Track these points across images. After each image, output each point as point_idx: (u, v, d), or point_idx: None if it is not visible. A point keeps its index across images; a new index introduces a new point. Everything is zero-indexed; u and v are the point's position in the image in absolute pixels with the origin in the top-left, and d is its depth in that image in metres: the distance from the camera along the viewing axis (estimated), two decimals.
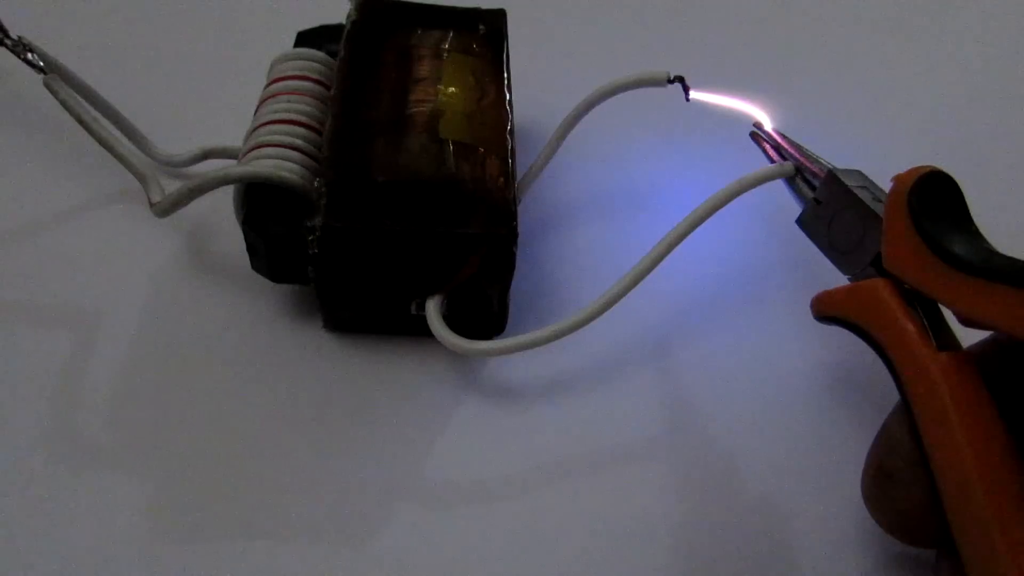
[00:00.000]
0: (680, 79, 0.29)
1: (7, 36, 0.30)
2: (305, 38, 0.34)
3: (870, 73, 0.43)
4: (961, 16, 0.47)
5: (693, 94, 0.29)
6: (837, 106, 0.41)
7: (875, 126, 0.40)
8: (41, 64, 0.30)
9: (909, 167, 0.23)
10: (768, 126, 0.29)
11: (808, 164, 0.28)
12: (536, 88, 0.35)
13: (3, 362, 0.28)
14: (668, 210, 0.28)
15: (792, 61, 0.44)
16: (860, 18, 0.47)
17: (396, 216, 0.26)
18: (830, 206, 0.27)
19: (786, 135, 0.29)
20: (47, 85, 0.30)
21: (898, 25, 0.46)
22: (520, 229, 0.27)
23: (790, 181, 0.28)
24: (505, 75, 0.31)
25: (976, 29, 0.46)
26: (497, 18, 0.34)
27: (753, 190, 0.28)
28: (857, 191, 0.26)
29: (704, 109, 0.30)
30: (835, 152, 0.29)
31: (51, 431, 0.26)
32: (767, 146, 0.29)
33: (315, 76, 0.31)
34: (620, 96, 0.31)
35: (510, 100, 0.31)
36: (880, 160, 0.27)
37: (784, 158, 0.29)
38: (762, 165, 0.29)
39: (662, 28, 0.45)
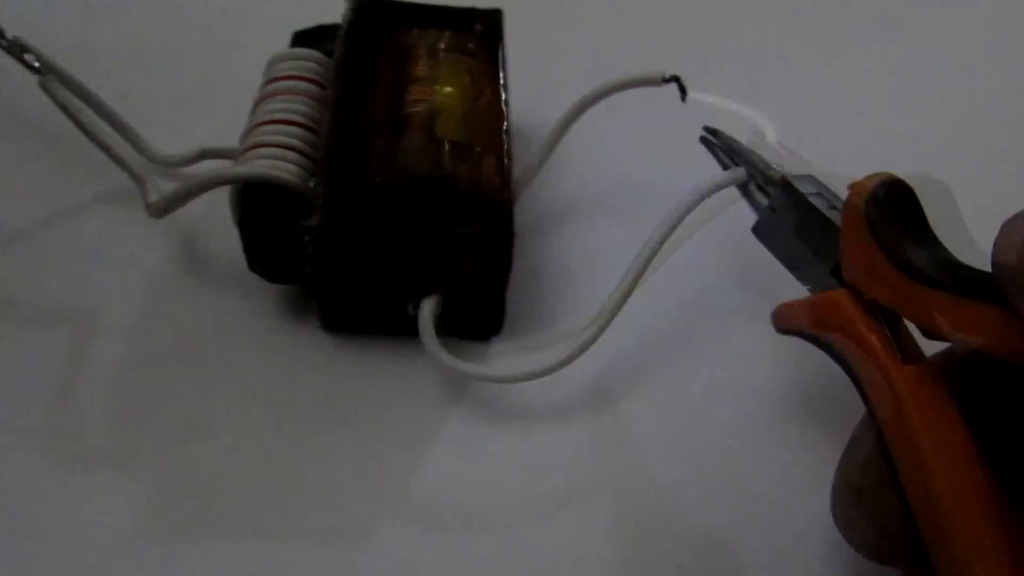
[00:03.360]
0: (675, 79, 0.29)
1: (3, 36, 0.30)
2: (302, 38, 0.34)
3: (850, 75, 0.43)
4: (941, 21, 0.47)
5: (692, 94, 0.29)
6: (819, 108, 0.41)
7: (856, 129, 0.40)
8: (37, 65, 0.30)
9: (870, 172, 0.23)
10: (771, 136, 0.29)
11: (761, 169, 0.27)
12: (533, 88, 0.35)
13: (1, 362, 0.28)
14: (665, 209, 0.28)
15: (784, 61, 0.44)
16: (848, 21, 0.47)
17: (393, 216, 0.26)
18: (785, 214, 0.26)
19: (737, 139, 0.28)
20: (43, 86, 0.30)
21: (881, 29, 0.46)
22: (517, 229, 0.27)
23: (743, 188, 0.27)
24: (501, 75, 0.32)
25: (955, 35, 0.46)
26: (493, 18, 0.34)
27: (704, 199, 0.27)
28: (812, 198, 0.25)
29: (700, 109, 0.31)
30: (823, 156, 0.28)
31: (48, 431, 0.26)
32: (718, 152, 0.29)
33: (312, 76, 0.31)
34: (616, 96, 0.31)
35: (506, 100, 0.31)
36: (855, 162, 0.26)
37: (736, 163, 0.28)
38: (715, 171, 0.28)
39: (659, 28, 0.45)
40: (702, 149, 0.30)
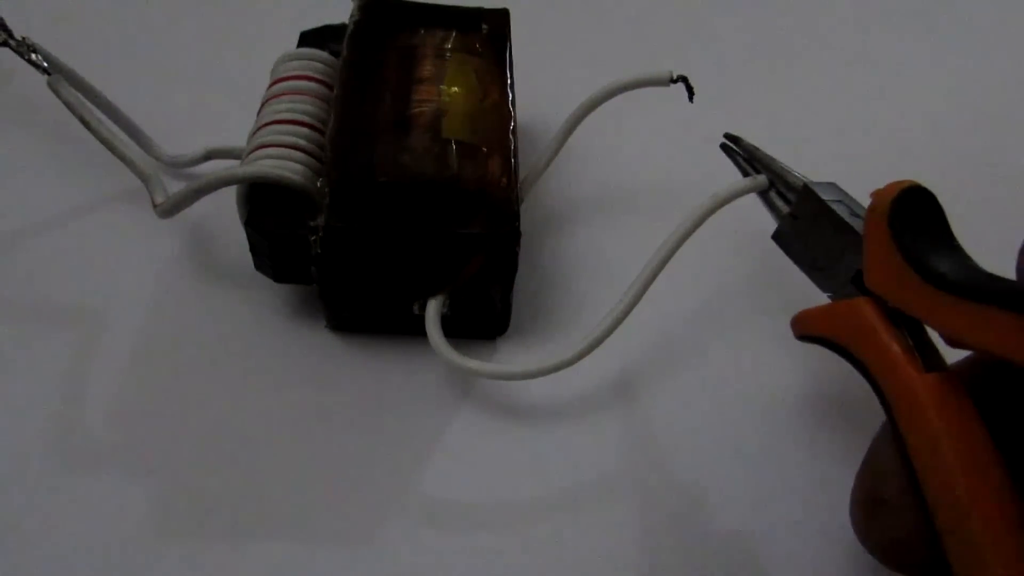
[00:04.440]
0: (683, 79, 0.29)
1: (11, 37, 0.31)
2: (308, 38, 0.34)
3: (850, 84, 0.43)
4: (938, 30, 0.47)
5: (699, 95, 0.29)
6: (816, 115, 0.40)
7: (853, 137, 0.39)
8: (45, 65, 0.30)
9: (886, 181, 0.23)
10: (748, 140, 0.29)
11: (782, 177, 0.27)
12: (539, 88, 0.35)
13: (8, 362, 0.28)
14: (671, 210, 0.28)
15: (790, 56, 0.44)
16: (845, 29, 0.47)
17: (399, 216, 0.26)
18: (806, 221, 0.26)
19: (758, 147, 0.28)
20: (51, 86, 0.30)
21: (879, 37, 0.46)
22: (523, 229, 0.27)
23: (763, 195, 0.28)
24: (508, 75, 0.31)
25: (951, 43, 0.46)
26: (500, 18, 0.34)
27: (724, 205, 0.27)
28: (834, 206, 0.25)
29: (708, 109, 0.30)
30: (818, 162, 0.28)
31: (55, 430, 0.27)
32: (739, 159, 0.29)
33: (318, 76, 0.31)
34: (623, 96, 0.31)
35: (513, 100, 0.31)
36: (857, 172, 0.26)
37: (757, 170, 0.28)
38: (735, 178, 0.28)
39: (665, 28, 0.45)
40: (709, 149, 0.30)
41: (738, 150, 0.29)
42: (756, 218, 0.28)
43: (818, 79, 0.42)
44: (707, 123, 0.30)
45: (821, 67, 0.43)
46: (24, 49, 0.30)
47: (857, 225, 0.24)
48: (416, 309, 0.28)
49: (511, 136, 0.29)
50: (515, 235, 0.27)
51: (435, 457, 0.27)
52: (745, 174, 0.28)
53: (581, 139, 0.32)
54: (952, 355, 0.22)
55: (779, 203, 0.27)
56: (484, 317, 0.29)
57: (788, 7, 0.47)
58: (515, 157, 0.29)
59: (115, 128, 0.32)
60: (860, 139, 0.39)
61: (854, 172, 0.27)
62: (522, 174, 0.31)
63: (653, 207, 0.34)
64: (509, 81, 0.31)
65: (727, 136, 0.29)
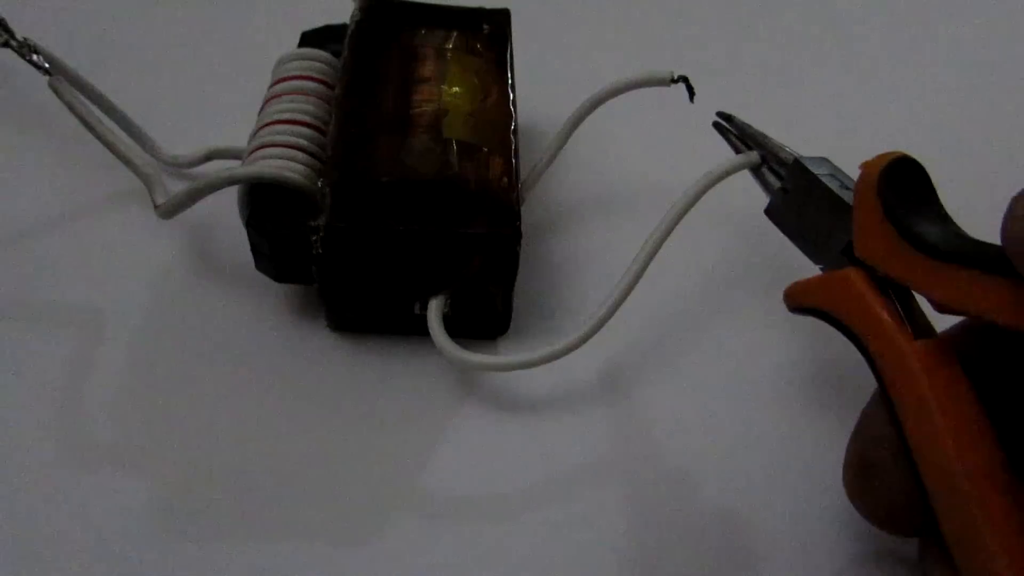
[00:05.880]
0: (684, 79, 0.29)
1: (12, 37, 0.31)
2: (309, 38, 0.34)
3: (846, 62, 0.43)
4: (929, 9, 0.47)
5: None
6: (814, 95, 0.41)
7: (849, 114, 0.40)
8: (46, 65, 0.30)
9: (876, 154, 0.23)
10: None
11: (774, 152, 0.27)
12: (540, 88, 0.35)
13: (9, 362, 0.28)
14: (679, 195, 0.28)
15: (786, 58, 0.44)
16: (842, 12, 0.47)
17: (400, 216, 0.26)
18: (798, 195, 0.26)
19: (750, 124, 0.29)
20: (52, 86, 0.30)
21: (876, 18, 0.46)
22: (524, 229, 0.27)
23: (756, 171, 0.28)
24: (509, 75, 0.32)
25: (941, 21, 0.46)
26: (501, 18, 0.34)
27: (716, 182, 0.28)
28: (825, 179, 0.25)
29: (709, 108, 0.30)
30: (812, 140, 0.29)
31: (56, 431, 0.26)
32: (731, 136, 0.29)
33: (319, 76, 0.31)
34: (624, 95, 0.31)
35: (514, 100, 0.31)
36: (847, 148, 0.27)
37: (749, 147, 0.28)
38: (727, 156, 0.28)
39: (666, 28, 0.45)
40: (710, 148, 0.30)
41: (730, 128, 0.29)
42: (749, 197, 0.29)
43: (814, 67, 0.42)
44: (708, 123, 0.30)
45: (816, 55, 0.43)
46: (25, 50, 0.30)
47: (847, 197, 0.24)
48: (417, 309, 0.28)
49: (512, 136, 0.29)
50: (516, 235, 0.27)
51: (436, 456, 0.27)
52: (737, 151, 0.29)
53: (582, 139, 0.32)
54: (941, 323, 0.22)
55: (771, 178, 0.28)
56: (485, 317, 0.29)
57: (788, 5, 0.47)
58: (516, 157, 0.29)
59: (116, 128, 0.32)
60: (852, 119, 0.39)
61: (845, 150, 0.27)
62: (523, 174, 0.31)
63: (654, 207, 0.34)
64: (510, 81, 0.31)
65: (719, 114, 0.30)
